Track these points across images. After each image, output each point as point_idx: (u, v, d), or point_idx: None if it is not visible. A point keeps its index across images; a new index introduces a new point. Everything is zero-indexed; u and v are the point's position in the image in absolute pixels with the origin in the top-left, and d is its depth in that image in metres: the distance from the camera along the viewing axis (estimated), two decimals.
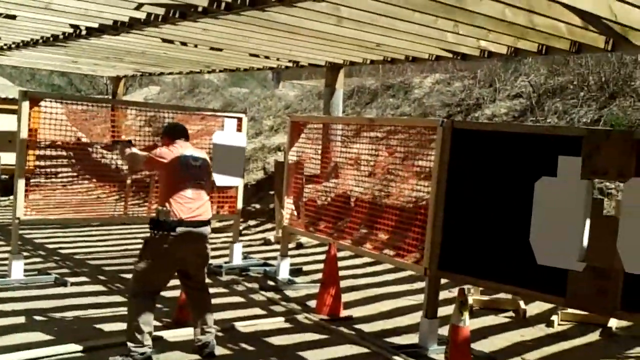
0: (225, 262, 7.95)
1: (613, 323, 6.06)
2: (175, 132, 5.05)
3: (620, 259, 4.28)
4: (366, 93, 13.30)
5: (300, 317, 6.16)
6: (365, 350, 5.35)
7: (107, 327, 5.44)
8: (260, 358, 5.00)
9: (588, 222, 4.54)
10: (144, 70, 15.04)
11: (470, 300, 6.65)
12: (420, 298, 6.94)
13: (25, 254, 7.39)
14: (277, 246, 9.16)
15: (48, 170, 14.10)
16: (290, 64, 11.67)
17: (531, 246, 4.72)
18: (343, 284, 7.49)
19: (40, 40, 10.56)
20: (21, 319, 5.46)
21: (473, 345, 5.05)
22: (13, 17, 8.49)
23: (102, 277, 7.18)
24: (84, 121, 13.52)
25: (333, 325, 5.90)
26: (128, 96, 20.90)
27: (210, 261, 7.92)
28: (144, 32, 8.93)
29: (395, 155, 6.35)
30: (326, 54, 10.38)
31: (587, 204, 4.57)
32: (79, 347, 4.79)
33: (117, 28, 8.76)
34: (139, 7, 7.38)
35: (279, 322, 5.96)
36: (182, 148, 4.91)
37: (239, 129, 7.93)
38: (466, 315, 4.63)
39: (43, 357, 4.61)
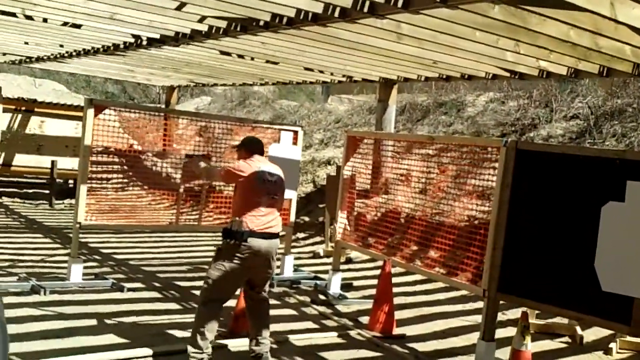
0: (277, 274, 7.97)
1: None
2: (252, 146, 5.17)
3: None
4: (418, 110, 13.26)
5: (353, 332, 6.13)
6: None
7: (166, 333, 5.50)
8: None
9: None
10: (198, 80, 15.27)
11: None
12: (474, 319, 6.89)
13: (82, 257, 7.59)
14: (326, 260, 9.20)
15: (102, 176, 14.44)
16: (344, 79, 11.71)
17: (596, 271, 4.64)
18: (395, 301, 7.48)
19: (101, 49, 10.82)
20: (82, 322, 5.56)
21: None
22: (78, 26, 8.74)
23: (156, 284, 7.27)
24: (136, 129, 13.82)
25: (386, 343, 5.87)
26: (180, 106, 21.23)
27: None
28: (203, 44, 9.08)
29: (452, 174, 6.30)
30: (381, 70, 10.39)
31: None
32: (149, 352, 4.86)
33: (177, 39, 8.92)
34: (202, 19, 7.52)
35: (332, 336, 5.95)
36: (259, 162, 5.05)
37: (295, 142, 7.98)
38: (528, 339, 4.55)
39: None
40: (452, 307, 7.40)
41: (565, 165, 5.05)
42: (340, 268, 7.59)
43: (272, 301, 6.81)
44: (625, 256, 4.54)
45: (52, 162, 12.93)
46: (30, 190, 13.70)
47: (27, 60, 14.08)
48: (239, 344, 5.31)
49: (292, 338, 5.71)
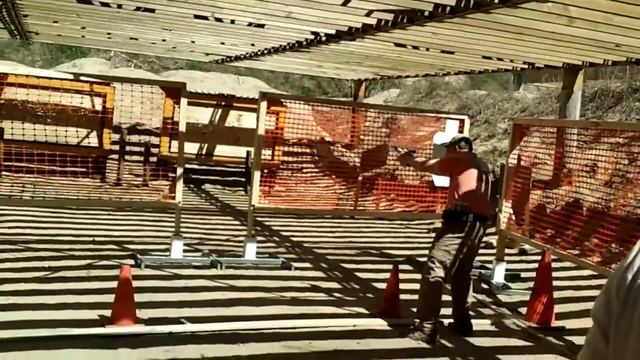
0: None
1: None
2: (458, 142, 5.93)
3: None
4: (610, 96, 12.42)
5: (508, 322, 6.07)
6: None
7: (321, 309, 5.88)
8: (458, 355, 5.06)
9: None
10: (382, 73, 15.64)
11: None
12: None
13: (260, 238, 8.27)
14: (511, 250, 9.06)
15: (291, 165, 15.40)
16: (526, 66, 11.36)
17: None
18: (562, 294, 7.24)
19: (287, 47, 11.56)
20: (247, 294, 6.12)
21: None
22: (262, 26, 9.46)
23: (323, 265, 7.71)
24: (327, 121, 14.52)
25: (541, 334, 5.74)
26: (370, 99, 21.80)
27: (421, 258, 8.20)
28: (376, 37, 9.38)
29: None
30: (563, 55, 9.97)
31: None
32: (288, 324, 5.28)
33: (352, 34, 9.31)
34: (369, 13, 7.80)
35: (485, 324, 5.94)
36: (468, 155, 5.83)
37: (461, 131, 7.97)
38: None
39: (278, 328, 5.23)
40: None
41: None
42: (511, 259, 7.46)
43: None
44: None
45: (247, 152, 14.00)
46: (230, 178, 14.94)
47: (227, 59, 15.41)
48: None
49: (445, 322, 5.78)
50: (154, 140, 14.64)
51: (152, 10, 8.96)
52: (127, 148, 14.08)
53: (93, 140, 13.59)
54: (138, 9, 8.90)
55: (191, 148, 14.09)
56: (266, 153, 13.93)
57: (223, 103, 14.69)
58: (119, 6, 8.81)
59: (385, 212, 10.63)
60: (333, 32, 9.46)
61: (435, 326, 5.22)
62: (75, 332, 4.70)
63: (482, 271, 7.78)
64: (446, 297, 5.55)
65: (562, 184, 8.88)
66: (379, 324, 5.55)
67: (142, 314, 5.22)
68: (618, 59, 9.71)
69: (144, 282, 6.15)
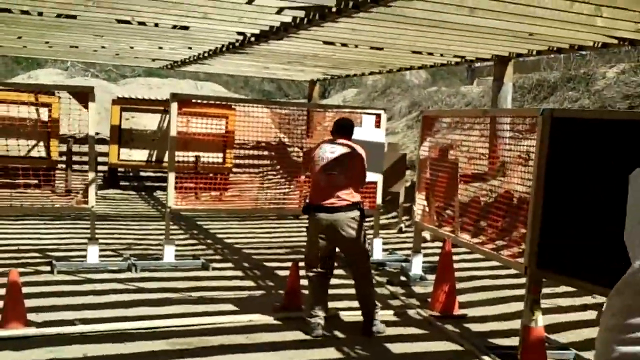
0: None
1: None
2: (333, 128, 5.73)
3: None
4: (546, 86, 12.61)
5: (411, 312, 6.18)
6: (458, 348, 5.25)
7: (224, 307, 5.95)
8: (346, 345, 5.15)
9: None
10: (330, 73, 15.73)
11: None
12: (553, 302, 6.61)
13: (192, 241, 8.35)
14: (435, 244, 9.16)
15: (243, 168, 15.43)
16: (458, 59, 11.51)
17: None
18: (470, 283, 7.37)
19: (224, 48, 11.60)
20: (151, 295, 6.19)
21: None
22: (186, 27, 9.52)
23: (246, 264, 7.78)
24: (283, 123, 14.55)
25: (439, 322, 5.85)
26: (329, 99, 21.91)
27: None
28: (301, 36, 9.47)
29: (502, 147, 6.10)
30: (491, 47, 10.12)
31: None
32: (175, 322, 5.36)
33: (276, 33, 9.39)
34: (279, 11, 7.90)
35: (387, 315, 6.02)
36: (324, 143, 5.67)
37: (377, 125, 8.08)
38: (538, 314, 4.36)
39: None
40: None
41: (603, 131, 4.73)
42: (421, 250, 7.57)
43: (348, 281, 7.11)
44: None
45: (196, 157, 14.04)
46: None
47: (175, 64, 15.44)
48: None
49: (343, 314, 5.88)
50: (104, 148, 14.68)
51: (74, 17, 9.00)
52: (77, 158, 14.06)
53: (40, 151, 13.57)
54: (59, 15, 8.94)
55: (141, 155, 14.13)
56: (217, 156, 14.07)
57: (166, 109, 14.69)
58: (40, 14, 8.84)
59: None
60: (257, 31, 9.54)
61: (314, 318, 5.29)
62: None
63: (404, 264, 7.89)
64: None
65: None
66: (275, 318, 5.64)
67: (38, 317, 5.29)
68: (541, 49, 9.87)
69: (51, 287, 6.21)
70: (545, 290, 5.18)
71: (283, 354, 4.87)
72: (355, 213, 5.31)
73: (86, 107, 7.08)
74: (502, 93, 10.95)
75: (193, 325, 5.34)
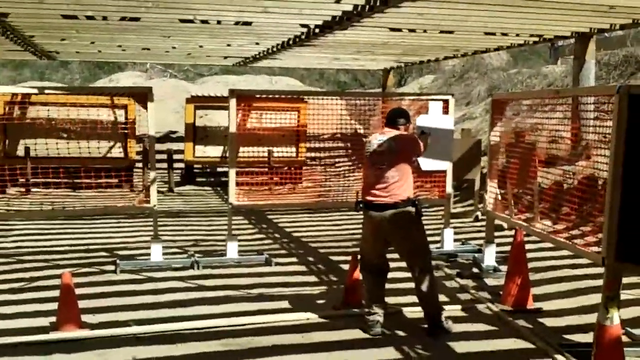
0: (437, 247, 7.79)
1: None
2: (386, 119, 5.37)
3: None
4: (633, 62, 11.75)
5: (481, 306, 5.81)
6: (529, 345, 4.86)
7: (282, 305, 5.77)
8: (406, 344, 4.85)
9: None
10: (403, 60, 15.31)
11: None
12: (630, 293, 6.09)
13: (260, 235, 8.26)
14: (512, 232, 8.68)
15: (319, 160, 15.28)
16: (535, 39, 10.89)
17: None
18: (548, 274, 6.90)
19: (291, 42, 11.46)
20: (212, 293, 6.09)
21: None
22: (249, 23, 9.42)
23: (310, 259, 7.59)
24: (360, 114, 14.34)
25: (511, 317, 5.45)
26: (406, 87, 21.45)
27: None
28: (365, 24, 9.20)
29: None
30: (570, 24, 9.52)
31: None
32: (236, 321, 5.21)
33: (339, 23, 9.15)
34: (338, 0, 7.66)
35: (454, 310, 5.68)
36: (376, 134, 5.28)
37: (445, 112, 7.69)
38: (614, 312, 3.92)
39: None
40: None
41: None
42: (494, 240, 7.15)
43: (408, 274, 6.80)
44: None
45: (268, 151, 13.99)
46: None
47: (247, 60, 15.46)
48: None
49: (406, 310, 5.58)
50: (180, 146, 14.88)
51: (137, 19, 9.07)
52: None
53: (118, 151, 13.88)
54: (123, 19, 9.02)
55: (215, 151, 14.20)
56: (290, 150, 13.98)
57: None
58: (104, 18, 8.96)
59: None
60: (320, 22, 9.32)
61: (372, 316, 5.05)
62: (14, 340, 4.77)
63: (476, 255, 7.49)
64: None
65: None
66: (333, 315, 5.40)
67: (94, 318, 5.27)
68: (625, 22, 9.17)
69: (112, 287, 6.22)
70: (625, 280, 4.70)
71: (338, 355, 4.63)
72: (407, 209, 4.95)
73: (145, 107, 7.04)
74: (583, 71, 10.31)
75: (248, 324, 5.18)
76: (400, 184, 4.98)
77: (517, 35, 10.47)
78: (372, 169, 5.07)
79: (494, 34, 10.28)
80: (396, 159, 5.02)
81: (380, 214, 4.97)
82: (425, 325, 5.14)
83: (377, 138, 5.14)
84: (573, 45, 14.65)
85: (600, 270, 6.49)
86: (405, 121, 5.30)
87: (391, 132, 5.15)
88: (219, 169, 15.60)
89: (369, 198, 5.04)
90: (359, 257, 5.37)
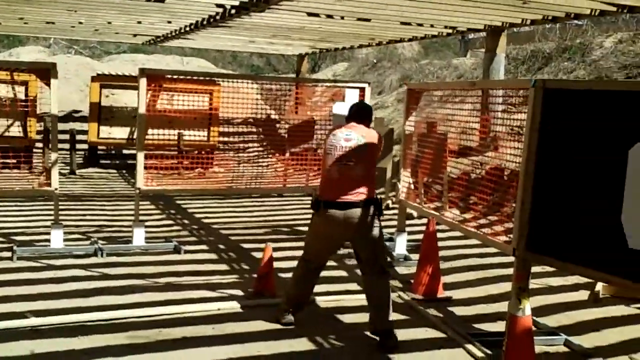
0: None
1: None
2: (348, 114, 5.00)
3: None
4: (540, 57, 12.16)
5: (392, 295, 5.78)
6: (440, 335, 4.89)
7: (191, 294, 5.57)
8: (318, 335, 4.77)
9: None
10: (318, 46, 15.23)
11: (598, 286, 5.83)
12: (544, 281, 6.28)
13: (168, 222, 7.94)
14: (423, 220, 8.79)
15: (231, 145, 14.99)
16: (449, 30, 11.05)
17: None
18: (458, 263, 7.01)
19: (205, 22, 11.11)
20: (115, 282, 5.81)
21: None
22: (162, 0, 9.04)
23: (222, 246, 7.40)
24: (274, 99, 14.10)
25: (421, 306, 5.48)
26: (319, 74, 21.42)
27: None
28: (283, 7, 9.01)
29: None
30: (483, 17, 9.67)
31: None
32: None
33: (256, 4, 8.92)
34: None
35: (364, 300, 5.64)
36: (338, 129, 4.89)
37: (362, 99, 7.65)
38: (525, 302, 3.98)
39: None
40: None
41: (597, 103, 4.31)
42: (405, 229, 7.19)
43: (329, 262, 6.73)
44: None
45: (178, 134, 13.58)
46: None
47: (157, 39, 14.92)
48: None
49: (319, 299, 5.51)
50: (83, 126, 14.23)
51: None
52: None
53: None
54: None
55: (122, 133, 13.67)
56: (201, 134, 13.63)
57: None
58: None
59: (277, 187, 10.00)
60: (237, 3, 9.07)
61: (288, 309, 4.95)
62: None
63: (388, 244, 7.51)
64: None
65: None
66: (245, 305, 5.26)
67: None
68: (535, 17, 9.43)
69: (8, 276, 5.83)
70: (534, 269, 4.80)
71: (251, 347, 4.49)
72: (372, 209, 4.69)
73: (48, 84, 6.62)
74: (494, 65, 10.54)
75: (156, 315, 4.96)
76: (366, 182, 4.70)
77: (432, 26, 10.58)
78: (336, 165, 4.70)
79: (409, 24, 10.33)
80: (364, 155, 4.73)
81: (344, 212, 4.62)
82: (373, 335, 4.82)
83: (344, 133, 4.78)
84: (483, 39, 15.05)
85: (507, 259, 6.70)
86: (371, 117, 5.07)
87: (358, 128, 4.82)
88: (125, 152, 15.07)
89: (332, 196, 4.67)
90: (304, 257, 4.97)
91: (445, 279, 6.11)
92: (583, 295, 5.99)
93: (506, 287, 6.04)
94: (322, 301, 5.49)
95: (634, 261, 3.88)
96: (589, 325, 5.18)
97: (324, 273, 5.22)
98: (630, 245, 3.89)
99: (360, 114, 4.94)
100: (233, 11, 9.71)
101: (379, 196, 4.89)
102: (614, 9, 8.11)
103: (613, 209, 4.02)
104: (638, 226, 3.86)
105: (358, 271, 6.31)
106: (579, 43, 11.83)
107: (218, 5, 9.44)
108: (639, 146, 3.88)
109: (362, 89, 7.70)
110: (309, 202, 10.49)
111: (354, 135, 4.75)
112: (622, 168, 3.96)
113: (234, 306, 5.24)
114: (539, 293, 5.95)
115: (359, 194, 4.64)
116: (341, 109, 7.52)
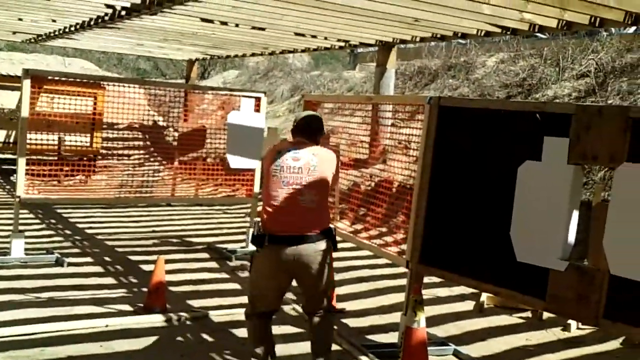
0: (241, 247, 7.68)
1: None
2: (294, 127, 4.32)
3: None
4: (427, 74, 12.61)
5: (286, 308, 5.77)
6: (336, 347, 4.88)
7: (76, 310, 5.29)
8: (213, 351, 4.65)
9: (575, 214, 3.87)
10: (209, 52, 15.01)
11: (483, 297, 6.07)
12: (431, 293, 6.44)
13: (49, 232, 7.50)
14: None
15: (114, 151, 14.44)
16: (342, 44, 11.22)
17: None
18: (350, 275, 7.09)
19: (92, 22, 10.66)
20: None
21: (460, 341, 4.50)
22: None
23: (107, 259, 7.08)
24: (161, 105, 13.69)
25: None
26: (209, 80, 21.14)
27: (225, 245, 7.79)
28: (176, 11, 8.79)
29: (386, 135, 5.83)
30: (376, 32, 9.88)
31: (574, 193, 3.90)
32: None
33: (149, 7, 8.66)
34: None
35: None
36: (285, 145, 4.29)
37: (257, 110, 7.60)
38: (421, 315, 4.07)
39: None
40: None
41: (490, 121, 4.49)
42: None
43: (222, 275, 6.62)
44: (540, 223, 3.99)
45: (59, 138, 12.94)
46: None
47: (40, 38, 14.17)
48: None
49: (213, 314, 5.39)
50: None
51: None
52: None
53: None
54: None
55: None
56: (83, 139, 13.04)
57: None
58: None
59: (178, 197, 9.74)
60: (128, 4, 8.76)
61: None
62: None
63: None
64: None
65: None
66: (136, 322, 5.04)
67: None
68: (424, 35, 9.74)
69: None
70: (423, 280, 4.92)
71: None
72: (327, 243, 4.05)
73: None
74: (384, 79, 10.78)
75: (38, 333, 4.65)
76: (320, 211, 4.06)
77: (326, 38, 10.69)
78: (282, 189, 3.97)
79: (304, 35, 10.39)
80: (317, 179, 4.03)
81: (294, 248, 3.91)
82: None
83: (291, 150, 4.07)
84: (372, 53, 15.42)
85: (397, 270, 6.85)
86: (323, 132, 4.42)
87: (308, 145, 4.13)
88: (1, 156, 14.19)
89: (279, 228, 3.93)
90: (248, 309, 4.29)
91: (338, 290, 6.14)
92: (469, 305, 6.20)
93: (397, 297, 6.18)
94: (215, 316, 5.36)
95: (521, 274, 4.07)
96: (476, 335, 5.37)
97: (216, 286, 5.12)
98: (518, 259, 4.07)
99: (310, 128, 4.22)
100: (123, 12, 9.39)
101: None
102: (499, 30, 8.52)
103: (502, 224, 4.21)
104: (525, 240, 4.04)
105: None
106: (463, 61, 12.38)
107: (107, 6, 9.09)
108: (528, 164, 4.07)
109: (258, 99, 7.64)
110: (199, 211, 10.40)
111: (304, 154, 4.05)
112: (511, 184, 4.14)
113: (123, 322, 5.00)
114: (428, 304, 6.10)
115: (312, 225, 3.98)
116: (236, 118, 7.47)
